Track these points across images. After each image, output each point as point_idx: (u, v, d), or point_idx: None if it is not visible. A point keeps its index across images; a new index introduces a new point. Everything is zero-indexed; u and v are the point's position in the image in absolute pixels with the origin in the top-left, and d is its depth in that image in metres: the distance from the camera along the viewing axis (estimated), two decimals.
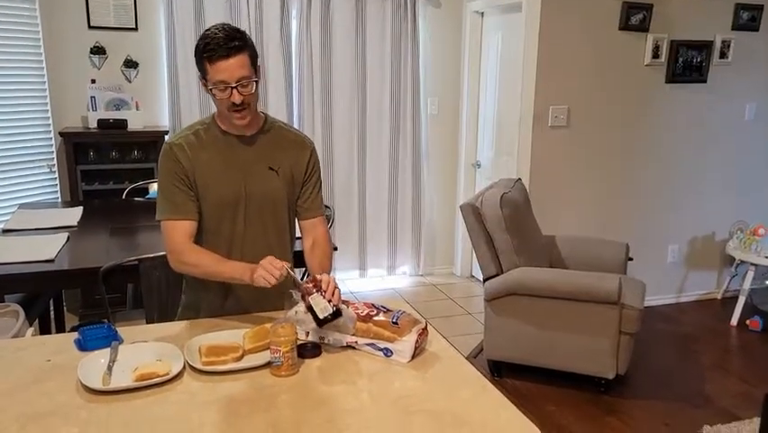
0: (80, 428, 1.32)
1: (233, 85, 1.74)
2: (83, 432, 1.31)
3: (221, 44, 1.71)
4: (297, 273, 1.77)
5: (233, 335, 1.71)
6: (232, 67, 1.73)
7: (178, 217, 1.85)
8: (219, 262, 1.82)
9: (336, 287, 1.66)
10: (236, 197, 1.89)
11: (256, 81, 1.79)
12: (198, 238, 1.91)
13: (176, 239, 1.85)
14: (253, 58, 1.79)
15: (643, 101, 4.21)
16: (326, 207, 3.68)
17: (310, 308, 1.59)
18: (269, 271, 1.68)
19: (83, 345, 1.67)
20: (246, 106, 1.79)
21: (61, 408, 1.39)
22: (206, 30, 1.77)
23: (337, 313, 1.59)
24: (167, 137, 3.90)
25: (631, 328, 3.10)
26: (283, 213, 1.97)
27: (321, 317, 1.58)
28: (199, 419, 1.36)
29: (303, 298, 1.61)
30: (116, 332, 1.73)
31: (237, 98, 1.76)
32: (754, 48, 4.37)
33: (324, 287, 1.63)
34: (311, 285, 1.59)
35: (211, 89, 1.77)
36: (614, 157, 4.24)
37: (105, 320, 1.77)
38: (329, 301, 1.58)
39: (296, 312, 1.73)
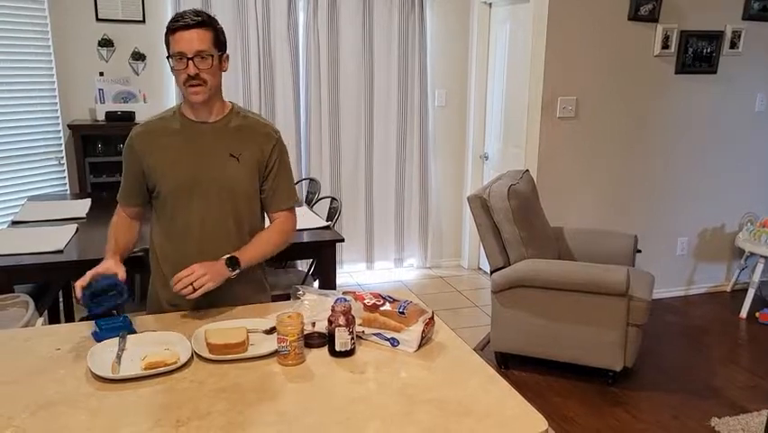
0: (90, 415, 1.33)
1: (190, 56, 1.75)
2: (92, 419, 1.32)
3: (184, 17, 1.76)
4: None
5: (240, 324, 1.72)
6: (191, 38, 1.75)
7: (122, 202, 2.00)
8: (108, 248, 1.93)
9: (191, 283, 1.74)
10: (191, 182, 1.87)
11: (214, 57, 1.79)
12: (163, 223, 1.94)
13: (117, 220, 2.00)
14: (217, 38, 1.81)
15: (652, 92, 4.18)
16: (333, 199, 3.70)
17: (331, 336, 1.60)
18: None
19: (100, 338, 1.67)
20: (202, 83, 1.79)
21: (71, 395, 1.41)
22: None
23: (351, 352, 1.61)
24: None
25: (639, 320, 3.09)
26: (243, 201, 1.93)
27: (337, 350, 1.60)
28: (207, 406, 1.37)
29: (329, 321, 1.62)
30: (131, 323, 1.73)
31: (192, 70, 1.76)
32: (766, 38, 4.32)
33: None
34: (342, 316, 1.59)
35: (172, 66, 1.79)
36: (622, 148, 4.22)
37: (114, 311, 1.78)
38: (351, 339, 1.60)
39: (302, 302, 1.74)
